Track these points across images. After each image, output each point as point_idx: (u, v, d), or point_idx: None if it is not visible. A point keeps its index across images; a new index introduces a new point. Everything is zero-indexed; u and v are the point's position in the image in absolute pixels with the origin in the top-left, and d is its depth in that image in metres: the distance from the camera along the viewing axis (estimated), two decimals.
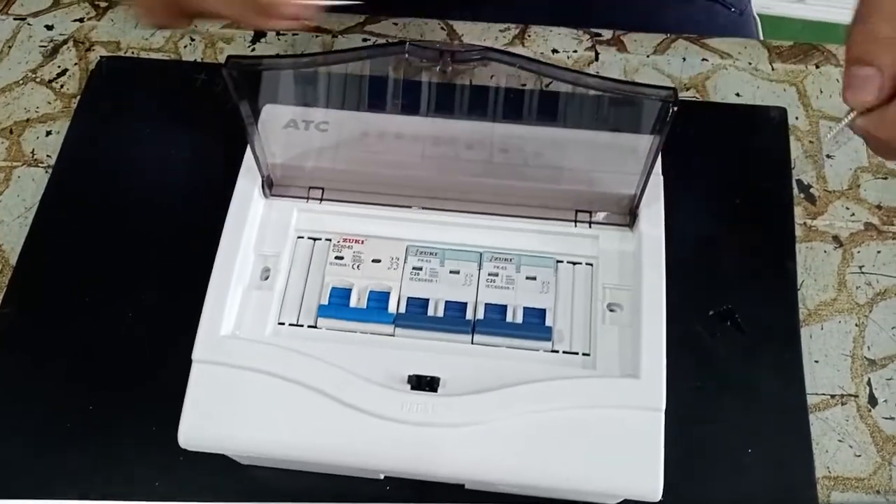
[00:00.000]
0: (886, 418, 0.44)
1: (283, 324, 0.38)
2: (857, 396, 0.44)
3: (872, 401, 0.44)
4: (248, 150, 0.39)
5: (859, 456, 0.43)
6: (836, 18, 1.40)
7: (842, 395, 0.44)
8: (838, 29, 1.45)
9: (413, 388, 0.35)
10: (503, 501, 0.40)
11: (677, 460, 0.40)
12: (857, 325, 0.46)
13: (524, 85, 0.39)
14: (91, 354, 0.45)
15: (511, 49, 0.55)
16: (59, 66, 0.55)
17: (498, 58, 0.30)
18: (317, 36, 0.56)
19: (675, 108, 0.31)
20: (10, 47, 0.56)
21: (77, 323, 0.46)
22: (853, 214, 0.49)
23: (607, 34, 0.56)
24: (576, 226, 0.39)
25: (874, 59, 0.34)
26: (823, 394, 0.44)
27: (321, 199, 0.40)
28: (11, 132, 0.53)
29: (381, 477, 0.41)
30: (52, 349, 0.45)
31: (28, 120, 0.53)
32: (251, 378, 0.35)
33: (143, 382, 0.44)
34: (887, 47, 0.34)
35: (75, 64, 0.55)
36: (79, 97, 0.54)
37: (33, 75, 0.55)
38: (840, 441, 0.43)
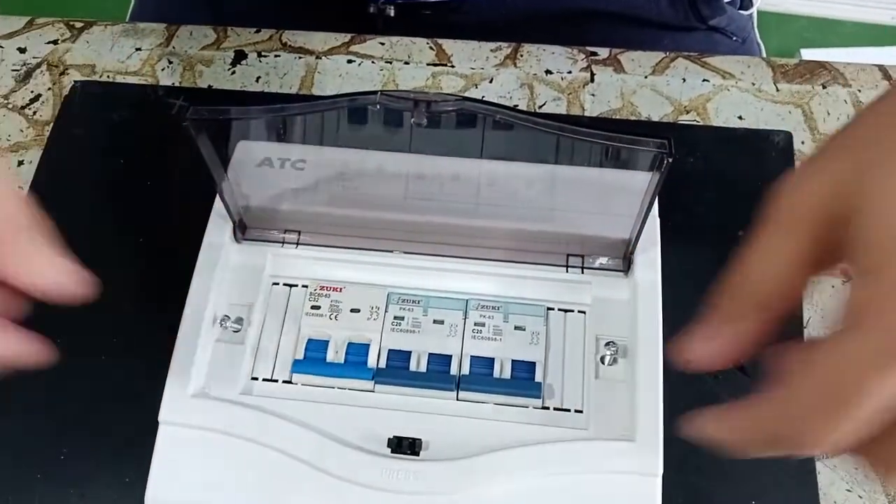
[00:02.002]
0: None
1: (256, 378, 0.36)
2: None
3: None
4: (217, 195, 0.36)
5: None
6: (840, 15, 1.37)
7: None
8: (844, 26, 1.42)
9: (393, 451, 0.33)
10: None
11: None
12: None
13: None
14: (62, 400, 0.43)
15: (503, 70, 0.53)
16: (31, 91, 0.53)
17: (475, 108, 0.28)
18: (300, 57, 0.54)
19: (671, 160, 0.29)
20: None
21: (48, 367, 0.44)
22: None
23: (603, 52, 0.54)
24: (567, 271, 0.37)
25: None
26: None
27: (297, 244, 0.38)
28: None
29: None
30: (21, 394, 0.43)
31: None
32: (222, 441, 0.33)
33: (117, 430, 0.42)
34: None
35: (49, 88, 0.53)
36: (52, 124, 0.51)
37: (5, 101, 0.53)
38: (848, 491, 0.41)
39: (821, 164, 0.25)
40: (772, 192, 0.26)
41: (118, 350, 0.44)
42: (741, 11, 0.66)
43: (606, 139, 0.29)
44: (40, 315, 0.44)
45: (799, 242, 0.25)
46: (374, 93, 0.28)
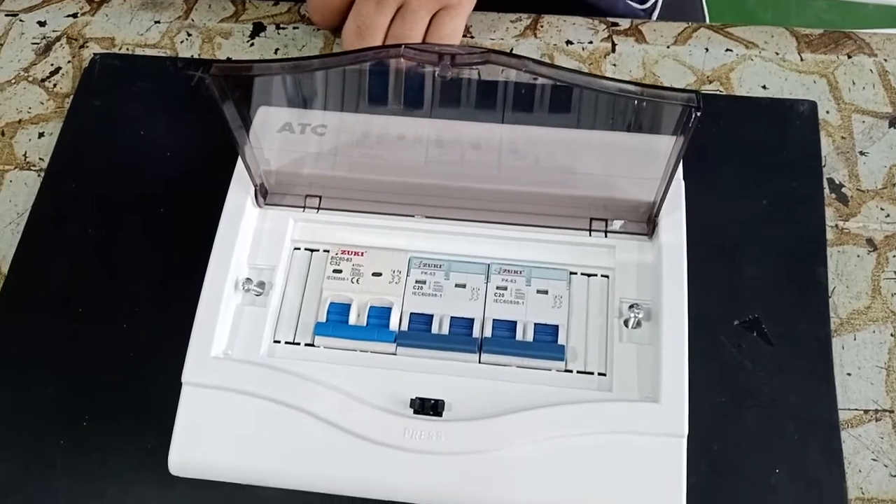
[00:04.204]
0: None
1: (278, 342, 0.36)
2: (892, 412, 0.41)
3: None
4: (239, 157, 0.36)
5: (895, 476, 0.40)
6: None
7: (876, 411, 0.41)
8: (867, 9, 1.40)
9: (416, 412, 0.33)
10: None
11: (700, 481, 0.38)
12: (892, 335, 0.43)
13: (535, 78, 0.36)
14: (84, 368, 0.43)
15: (523, 41, 0.52)
16: (52, 64, 0.53)
17: (500, 60, 0.28)
18: (318, 30, 0.53)
19: (699, 114, 0.28)
20: (1, 45, 0.54)
21: (70, 335, 0.44)
22: (888, 216, 0.46)
23: (625, 23, 0.53)
24: (590, 235, 0.36)
25: None
26: (856, 409, 0.41)
27: (318, 208, 0.38)
28: (3, 134, 0.51)
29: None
30: (44, 362, 0.43)
31: (20, 121, 0.51)
32: (244, 402, 0.33)
33: (139, 397, 0.42)
34: None
35: (69, 62, 0.53)
36: (72, 97, 0.51)
37: (26, 74, 0.53)
38: (874, 460, 0.40)
39: None
40: None
41: (140, 318, 0.44)
42: None
43: (634, 91, 0.28)
44: (63, 284, 0.45)
45: None
46: (398, 46, 0.27)
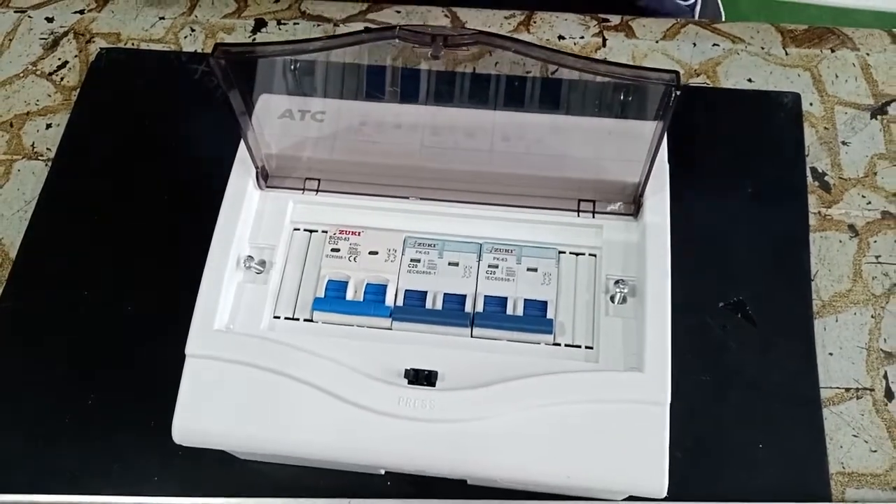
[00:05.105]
0: None
1: (278, 317, 0.37)
2: (872, 390, 0.43)
3: (889, 395, 0.43)
4: (242, 141, 0.38)
5: (875, 451, 0.41)
6: (851, 3, 1.37)
7: (857, 389, 0.43)
8: (854, 14, 1.42)
9: (410, 382, 0.34)
10: (507, 497, 0.40)
11: (686, 456, 0.39)
12: (872, 316, 0.44)
13: (528, 73, 0.38)
14: (89, 348, 0.45)
15: (516, 36, 0.54)
16: (59, 59, 0.55)
17: (492, 41, 0.29)
18: (318, 25, 0.55)
19: (678, 93, 0.30)
20: (10, 40, 0.56)
21: (75, 317, 0.45)
22: (869, 203, 0.48)
23: (615, 20, 0.55)
24: (578, 215, 0.38)
25: None
26: (838, 387, 0.43)
27: (317, 191, 0.39)
28: (12, 125, 0.52)
29: (382, 472, 0.40)
30: (50, 343, 0.45)
31: (28, 113, 0.53)
32: (245, 373, 0.35)
33: (142, 376, 0.43)
34: None
35: (75, 56, 0.55)
36: (79, 90, 0.53)
37: (33, 68, 0.55)
38: (855, 436, 0.42)
39: None
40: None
41: (143, 301, 0.45)
42: None
43: (618, 71, 0.30)
44: (68, 268, 0.46)
45: None
46: (394, 27, 0.29)
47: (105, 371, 0.44)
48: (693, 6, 0.67)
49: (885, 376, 0.43)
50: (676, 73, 0.30)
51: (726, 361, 0.43)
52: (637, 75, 0.30)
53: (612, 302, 0.36)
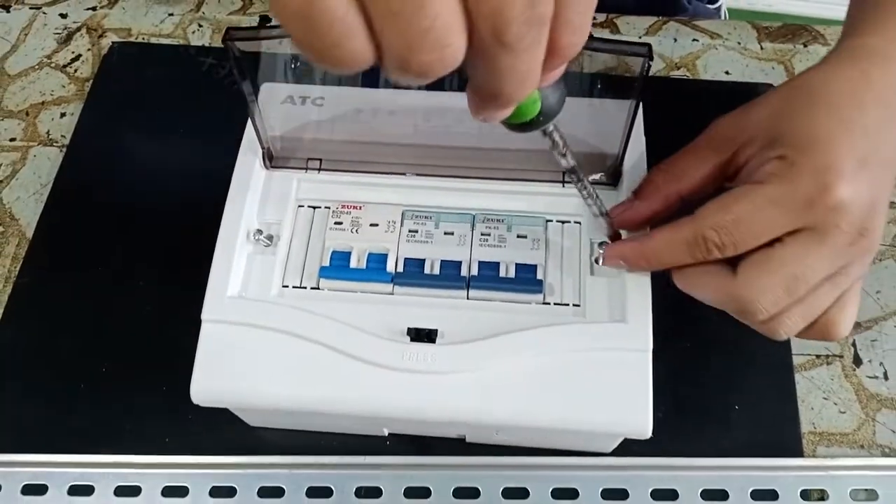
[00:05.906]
0: (871, 377, 0.45)
1: (286, 286, 0.40)
2: (842, 357, 0.46)
3: (857, 361, 0.45)
4: (249, 123, 0.40)
5: (844, 413, 0.44)
6: (820, 13, 1.43)
7: (827, 356, 0.46)
8: (830, 24, 1.47)
9: (413, 339, 0.37)
10: (503, 454, 0.42)
11: (665, 417, 0.42)
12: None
13: None
14: (103, 320, 0.47)
15: None
16: (72, 52, 0.58)
17: None
18: None
19: (650, 64, 0.33)
20: (26, 35, 0.58)
21: (90, 291, 0.48)
22: None
23: (600, 17, 0.58)
24: (563, 186, 0.41)
25: None
26: (809, 354, 0.46)
27: (319, 170, 0.42)
28: (28, 114, 0.55)
29: (385, 433, 0.43)
30: (66, 316, 0.47)
31: (43, 102, 0.55)
32: (258, 335, 0.37)
33: (153, 347, 0.46)
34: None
35: (88, 49, 0.58)
36: (91, 81, 0.56)
37: (48, 61, 0.57)
38: (825, 398, 0.45)
39: (749, 108, 0.36)
40: (714, 121, 0.37)
41: (154, 277, 0.48)
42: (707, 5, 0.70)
43: (594, 45, 0.33)
44: (82, 247, 0.49)
45: (721, 157, 0.36)
46: None
47: (118, 342, 0.46)
48: (718, 9, 0.71)
49: (854, 344, 0.46)
50: (648, 44, 0.33)
51: (704, 328, 0.46)
52: (613, 48, 0.33)
53: (597, 263, 0.39)
